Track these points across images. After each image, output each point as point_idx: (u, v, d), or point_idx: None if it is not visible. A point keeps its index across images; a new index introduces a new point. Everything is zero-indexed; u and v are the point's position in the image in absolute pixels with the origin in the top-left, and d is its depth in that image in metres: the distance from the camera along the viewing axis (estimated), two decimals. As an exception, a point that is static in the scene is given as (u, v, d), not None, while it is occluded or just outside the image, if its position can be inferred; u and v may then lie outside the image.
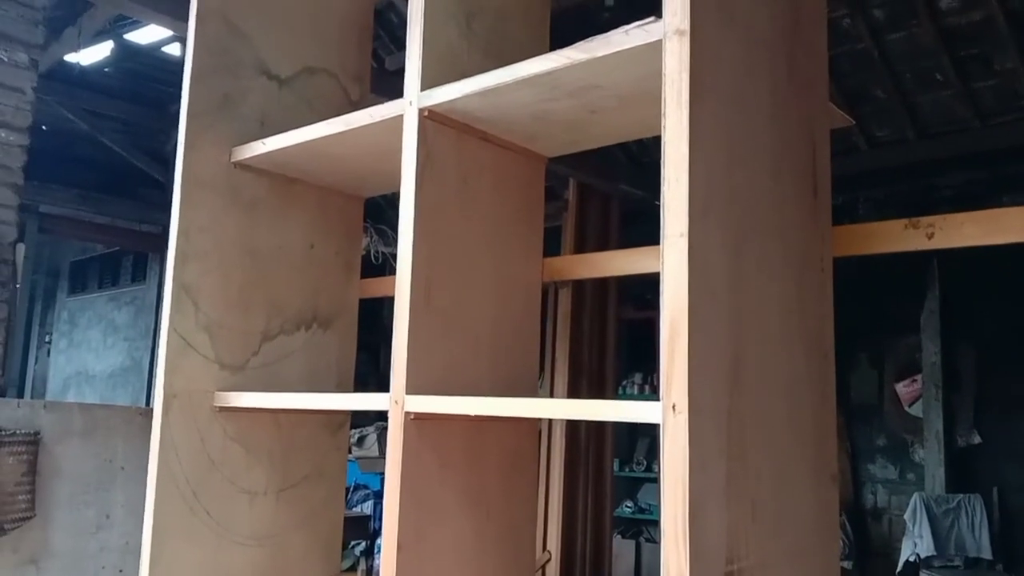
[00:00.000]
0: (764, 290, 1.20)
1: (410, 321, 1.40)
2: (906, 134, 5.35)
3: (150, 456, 1.68)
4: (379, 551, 2.17)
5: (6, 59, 3.21)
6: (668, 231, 1.02)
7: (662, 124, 1.06)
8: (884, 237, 1.37)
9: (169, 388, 1.68)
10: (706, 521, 1.00)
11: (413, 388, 1.38)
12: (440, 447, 1.44)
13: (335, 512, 1.98)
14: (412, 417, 1.38)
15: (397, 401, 1.38)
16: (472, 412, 1.33)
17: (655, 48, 1.12)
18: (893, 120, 5.32)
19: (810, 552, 1.29)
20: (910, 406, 5.74)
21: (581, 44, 1.24)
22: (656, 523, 6.87)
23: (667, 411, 1.00)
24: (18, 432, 3.02)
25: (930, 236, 1.31)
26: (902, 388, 5.77)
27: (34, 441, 3.06)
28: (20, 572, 3.04)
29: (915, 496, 5.07)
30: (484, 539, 1.54)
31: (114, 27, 5.35)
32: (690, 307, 0.99)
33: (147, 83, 6.35)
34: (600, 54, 1.21)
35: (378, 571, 2.19)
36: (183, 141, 1.75)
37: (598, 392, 5.43)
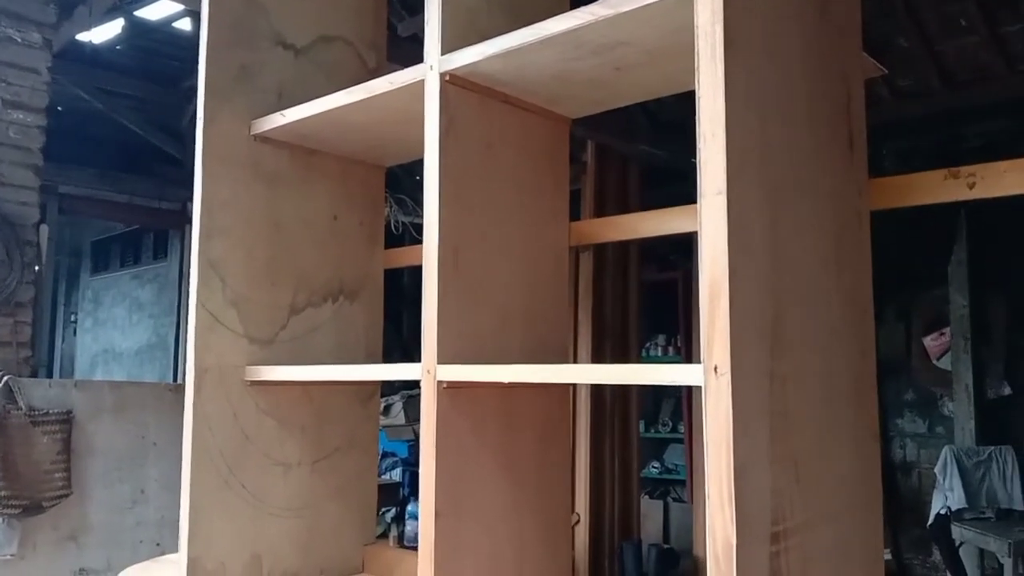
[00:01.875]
0: (802, 246, 1.17)
1: (439, 290, 1.38)
2: (931, 83, 5.23)
3: (184, 432, 1.69)
4: (409, 517, 2.19)
5: (20, 40, 3.20)
6: (705, 189, 0.99)
7: (696, 79, 1.02)
8: (923, 188, 1.33)
9: (200, 364, 1.69)
10: (751, 483, 0.99)
11: (444, 357, 1.37)
12: (473, 415, 1.44)
13: (368, 481, 1.99)
14: (444, 386, 1.37)
15: (429, 371, 1.37)
16: (505, 380, 1.32)
17: (685, 0, 1.08)
18: (917, 69, 5.19)
19: (854, 509, 1.27)
20: (938, 359, 5.67)
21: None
22: (682, 483, 6.86)
23: (709, 373, 0.98)
24: (51, 412, 3.06)
25: (971, 186, 1.27)
26: (930, 342, 5.70)
27: (67, 420, 3.10)
28: (61, 548, 3.10)
29: (945, 449, 5.03)
30: (519, 505, 1.54)
31: (124, 4, 5.30)
32: (730, 267, 0.96)
33: (159, 59, 6.31)
34: (626, 9, 1.18)
35: (409, 537, 2.20)
36: (202, 116, 1.73)
37: (622, 355, 5.41)
